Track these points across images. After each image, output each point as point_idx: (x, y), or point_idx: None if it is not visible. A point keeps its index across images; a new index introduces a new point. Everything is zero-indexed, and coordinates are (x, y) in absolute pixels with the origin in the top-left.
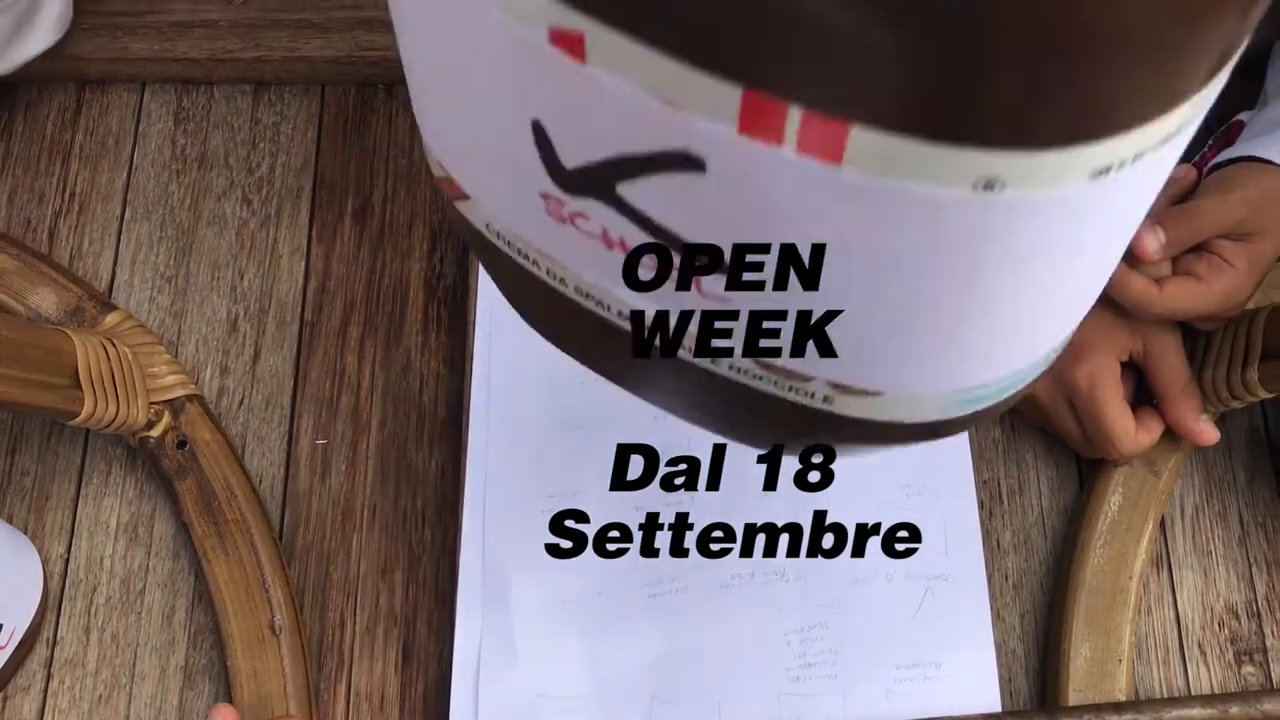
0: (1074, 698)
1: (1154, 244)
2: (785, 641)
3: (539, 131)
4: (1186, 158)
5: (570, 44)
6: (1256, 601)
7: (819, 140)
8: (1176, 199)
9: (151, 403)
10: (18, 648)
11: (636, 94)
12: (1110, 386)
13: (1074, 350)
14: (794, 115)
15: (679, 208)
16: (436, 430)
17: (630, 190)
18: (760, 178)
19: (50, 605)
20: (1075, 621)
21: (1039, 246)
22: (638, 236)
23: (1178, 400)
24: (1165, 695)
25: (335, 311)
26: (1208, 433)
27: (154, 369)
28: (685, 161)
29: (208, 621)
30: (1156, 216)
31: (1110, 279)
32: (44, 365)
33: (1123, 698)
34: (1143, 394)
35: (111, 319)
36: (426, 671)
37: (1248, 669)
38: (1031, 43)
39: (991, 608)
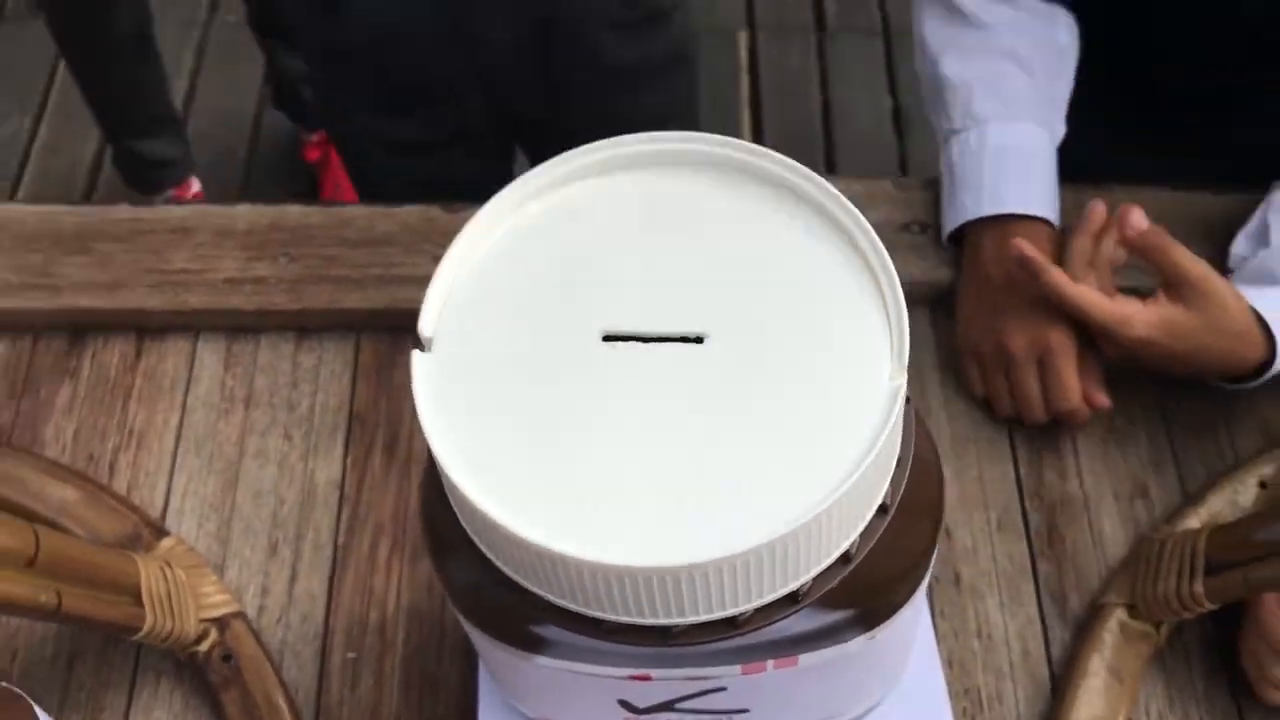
0: None
1: (1140, 218)
2: None
3: (622, 701)
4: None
5: (641, 677)
6: None
7: (784, 664)
8: None
9: (200, 619)
10: None
11: (682, 681)
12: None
13: (1033, 318)
14: (770, 665)
15: (712, 702)
16: (457, 643)
17: (682, 704)
18: (754, 681)
19: None
20: None
21: (884, 649)
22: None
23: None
24: None
25: (365, 535)
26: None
27: (203, 589)
28: (717, 689)
29: None
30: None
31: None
32: (111, 585)
33: None
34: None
35: (166, 544)
36: None
37: None
38: (885, 614)
39: None
